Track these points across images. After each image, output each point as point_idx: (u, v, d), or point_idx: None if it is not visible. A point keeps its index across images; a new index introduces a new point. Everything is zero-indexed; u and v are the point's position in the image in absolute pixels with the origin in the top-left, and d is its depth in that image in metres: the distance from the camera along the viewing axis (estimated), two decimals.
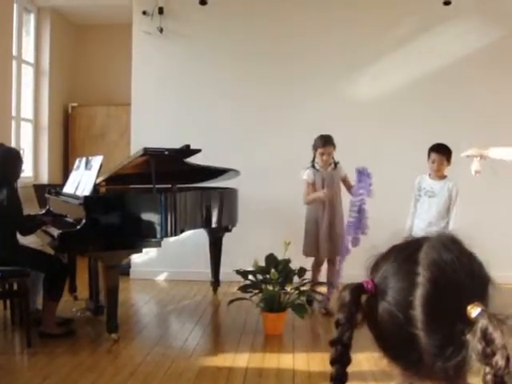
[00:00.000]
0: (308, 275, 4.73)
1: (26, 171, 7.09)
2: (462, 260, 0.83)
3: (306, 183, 5.07)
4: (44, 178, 7.24)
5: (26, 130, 7.16)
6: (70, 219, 4.45)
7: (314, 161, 5.11)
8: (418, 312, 0.81)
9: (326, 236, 4.99)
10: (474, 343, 0.76)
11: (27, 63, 7.12)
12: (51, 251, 4.65)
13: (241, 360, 3.89)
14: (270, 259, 4.57)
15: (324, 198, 4.95)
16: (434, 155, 4.62)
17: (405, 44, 6.36)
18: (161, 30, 6.40)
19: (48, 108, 7.31)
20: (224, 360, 3.91)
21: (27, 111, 7.15)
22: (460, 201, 4.66)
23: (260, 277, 4.53)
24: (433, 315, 0.80)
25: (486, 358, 0.75)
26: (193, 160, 4.95)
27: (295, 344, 4.23)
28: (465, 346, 0.77)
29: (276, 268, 4.45)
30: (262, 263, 4.56)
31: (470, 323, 0.77)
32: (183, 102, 6.54)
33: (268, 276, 4.45)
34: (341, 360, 0.87)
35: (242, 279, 4.63)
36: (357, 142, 6.07)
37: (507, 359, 0.74)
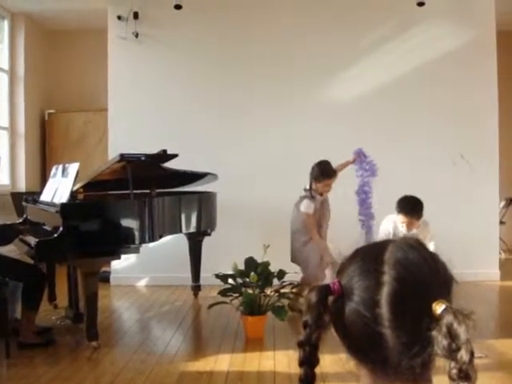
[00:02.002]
0: (287, 278, 4.73)
1: (3, 179, 7.03)
2: (427, 259, 0.85)
3: (308, 216, 4.89)
4: (21, 186, 7.17)
5: (2, 138, 7.09)
6: (47, 227, 4.42)
7: (311, 189, 4.91)
8: (384, 310, 0.82)
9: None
10: (440, 339, 0.77)
11: (2, 70, 7.07)
12: (30, 260, 4.61)
13: (222, 364, 3.90)
14: (250, 262, 4.58)
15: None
16: (403, 217, 4.33)
17: (380, 46, 6.43)
18: (136, 35, 6.40)
19: (24, 115, 7.25)
20: (205, 364, 3.91)
21: (3, 119, 7.09)
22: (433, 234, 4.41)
23: (240, 280, 4.54)
24: (399, 313, 0.81)
25: (451, 353, 0.76)
26: (171, 165, 4.95)
27: (276, 346, 4.25)
28: (431, 343, 0.78)
29: (255, 271, 4.46)
30: (242, 266, 4.57)
31: (436, 320, 0.78)
32: (159, 107, 6.54)
33: (248, 279, 4.46)
34: (309, 361, 0.88)
35: (223, 283, 4.63)
36: (333, 146, 6.10)
37: (471, 354, 0.76)
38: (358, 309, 0.85)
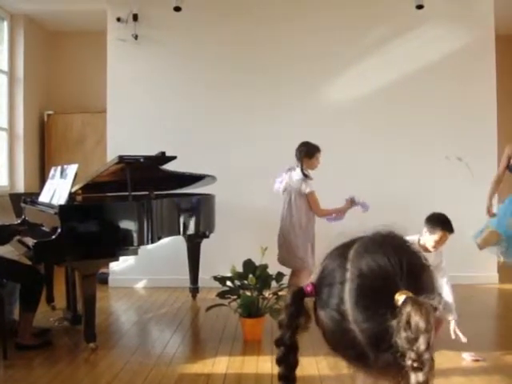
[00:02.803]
0: (285, 280, 4.74)
1: (2, 180, 7.03)
2: (389, 253, 0.84)
3: (313, 196, 4.86)
4: (20, 187, 7.17)
5: (1, 139, 7.09)
6: (45, 228, 4.42)
7: (303, 169, 4.90)
8: (348, 306, 0.82)
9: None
10: (400, 330, 0.76)
11: (1, 71, 7.07)
12: (28, 261, 4.61)
13: (220, 366, 3.90)
14: (248, 265, 4.58)
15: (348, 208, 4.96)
16: (442, 233, 3.87)
17: (379, 49, 6.45)
18: (135, 37, 6.40)
19: (23, 116, 7.25)
20: (203, 366, 3.91)
21: (2, 120, 7.10)
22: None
23: (238, 282, 4.54)
24: (361, 307, 0.81)
25: (409, 343, 0.75)
26: (169, 167, 4.95)
27: (274, 349, 4.20)
28: (394, 336, 0.78)
29: (253, 273, 4.46)
30: (240, 269, 4.57)
31: (398, 311, 0.78)
32: (158, 109, 6.54)
33: (246, 281, 4.46)
34: (286, 360, 0.89)
35: (221, 285, 4.63)
36: (331, 148, 6.11)
37: (428, 343, 0.75)
38: (328, 308, 0.86)
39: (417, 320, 0.75)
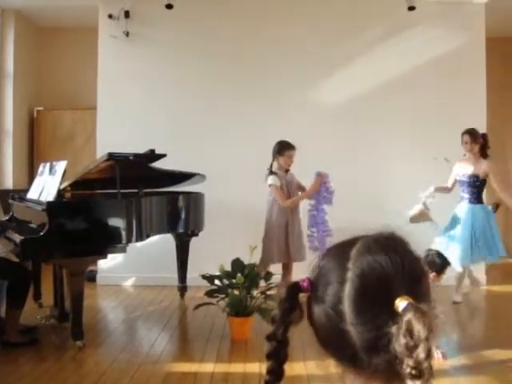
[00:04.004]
0: (274, 279, 4.74)
1: None
2: (391, 255, 0.84)
3: (276, 188, 5.04)
4: (9, 184, 7.12)
5: None
6: (33, 225, 4.40)
7: (272, 166, 5.10)
8: (346, 307, 0.82)
9: (296, 240, 5.04)
10: (399, 336, 0.76)
11: None
12: (15, 258, 4.58)
13: (207, 365, 3.89)
14: (236, 264, 4.58)
15: (322, 181, 5.02)
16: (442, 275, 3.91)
17: (370, 50, 6.46)
18: (127, 34, 6.38)
19: (12, 112, 7.20)
20: (190, 365, 3.91)
21: None
22: None
23: (226, 281, 4.53)
24: (360, 310, 0.81)
25: (409, 350, 0.75)
26: (159, 165, 4.93)
27: (262, 348, 4.21)
28: (392, 340, 0.77)
29: (242, 272, 4.46)
30: (229, 268, 4.57)
31: (398, 317, 0.77)
32: (148, 106, 6.52)
33: (234, 280, 4.46)
34: (276, 355, 0.89)
35: (209, 284, 4.63)
36: (322, 147, 6.14)
37: (428, 352, 0.74)
38: (324, 306, 0.85)
39: (418, 328, 0.75)
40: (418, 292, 0.82)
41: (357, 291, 0.82)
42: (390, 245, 0.86)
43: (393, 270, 0.82)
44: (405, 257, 0.85)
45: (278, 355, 0.89)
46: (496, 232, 5.24)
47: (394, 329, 0.77)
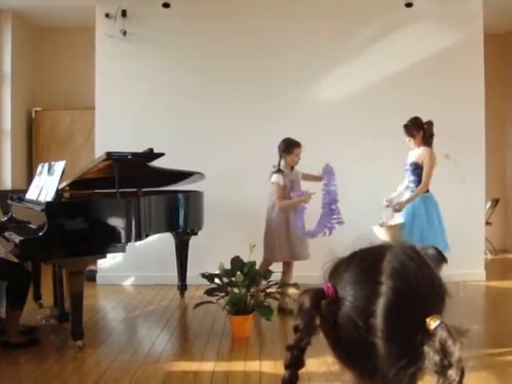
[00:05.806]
0: (274, 277, 4.74)
1: None
2: (424, 271, 0.84)
3: (277, 186, 5.03)
4: (7, 184, 7.11)
5: None
6: (32, 226, 4.39)
7: (279, 164, 5.10)
8: (378, 321, 0.81)
9: (298, 238, 5.03)
10: (432, 355, 0.76)
11: None
12: (15, 259, 4.57)
13: (207, 364, 3.89)
14: (236, 262, 4.58)
15: (309, 200, 4.99)
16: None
17: (367, 46, 6.45)
18: (124, 33, 6.37)
19: (11, 113, 7.18)
20: (191, 364, 3.91)
21: None
22: None
23: (226, 280, 4.53)
24: (393, 325, 0.80)
25: (442, 369, 0.75)
26: (157, 164, 4.93)
27: (262, 347, 4.25)
28: (421, 357, 0.78)
29: (241, 270, 4.46)
30: (228, 266, 4.57)
31: (429, 335, 0.78)
32: (147, 106, 6.52)
33: (234, 279, 4.46)
34: (295, 364, 0.86)
35: (209, 283, 4.63)
36: (320, 145, 6.12)
37: (462, 373, 0.75)
38: (352, 316, 0.83)
39: (452, 347, 0.76)
40: (442, 309, 0.83)
41: (391, 307, 0.81)
42: (421, 260, 0.86)
43: (426, 286, 0.83)
44: (434, 273, 0.86)
45: (297, 364, 0.87)
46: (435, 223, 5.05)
47: (426, 348, 0.78)
